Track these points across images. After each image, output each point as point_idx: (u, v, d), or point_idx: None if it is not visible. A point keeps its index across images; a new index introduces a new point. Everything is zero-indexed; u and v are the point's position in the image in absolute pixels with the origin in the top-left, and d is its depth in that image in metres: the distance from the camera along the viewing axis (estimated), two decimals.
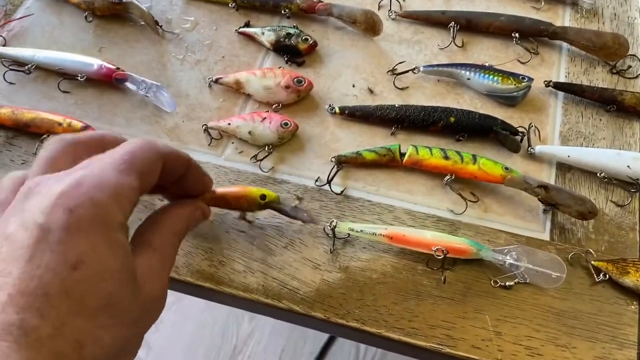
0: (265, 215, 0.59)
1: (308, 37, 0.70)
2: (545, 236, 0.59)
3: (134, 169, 0.40)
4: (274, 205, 0.56)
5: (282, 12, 0.73)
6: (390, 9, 0.75)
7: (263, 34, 0.71)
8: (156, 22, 0.72)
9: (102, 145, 0.43)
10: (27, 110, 0.65)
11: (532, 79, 0.66)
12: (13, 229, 0.36)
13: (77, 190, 0.36)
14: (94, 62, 0.68)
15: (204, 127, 0.65)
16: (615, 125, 0.66)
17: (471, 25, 0.72)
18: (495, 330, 0.53)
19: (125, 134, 0.64)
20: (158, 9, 0.75)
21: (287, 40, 0.70)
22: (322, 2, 0.73)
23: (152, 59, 0.71)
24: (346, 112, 0.66)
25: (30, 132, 0.64)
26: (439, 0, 0.77)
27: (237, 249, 0.57)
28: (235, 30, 0.73)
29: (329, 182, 0.61)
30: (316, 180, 0.62)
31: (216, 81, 0.68)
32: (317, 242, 0.58)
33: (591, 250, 0.57)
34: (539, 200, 0.58)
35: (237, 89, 0.68)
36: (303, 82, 0.66)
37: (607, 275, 0.55)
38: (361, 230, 0.56)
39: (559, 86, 0.67)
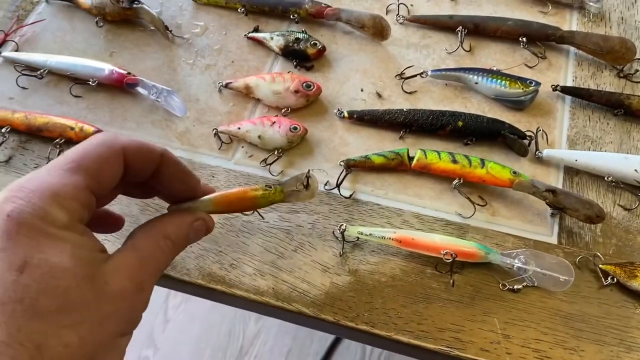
0: (275, 219, 0.60)
1: (317, 42, 0.71)
2: (553, 240, 0.59)
3: (80, 167, 0.39)
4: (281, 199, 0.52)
5: (291, 17, 0.74)
6: (398, 14, 0.75)
7: (272, 38, 0.72)
8: (166, 27, 0.73)
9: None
10: (39, 114, 0.66)
11: (540, 83, 0.67)
12: None
13: (14, 194, 0.36)
14: (105, 67, 0.68)
15: (214, 132, 0.66)
16: (623, 129, 0.66)
17: (479, 30, 0.73)
18: (504, 333, 0.54)
19: (136, 137, 0.65)
20: (168, 14, 0.76)
21: (296, 45, 0.71)
22: (330, 7, 0.74)
23: (163, 63, 0.72)
24: (355, 116, 0.67)
25: (42, 136, 0.65)
26: (447, 4, 0.77)
27: (247, 252, 0.58)
28: (245, 35, 0.74)
29: (338, 185, 0.62)
30: (325, 184, 0.62)
31: (226, 86, 0.69)
32: (327, 245, 0.59)
33: (599, 254, 0.57)
34: (546, 204, 0.59)
35: (246, 94, 0.68)
36: (312, 87, 0.67)
37: (615, 279, 0.55)
38: (370, 234, 0.57)
39: (566, 90, 0.68)
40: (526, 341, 0.53)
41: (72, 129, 0.64)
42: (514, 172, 0.59)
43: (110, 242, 0.57)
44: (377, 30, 0.72)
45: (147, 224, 0.45)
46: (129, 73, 0.68)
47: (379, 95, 0.69)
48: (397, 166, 0.63)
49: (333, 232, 0.59)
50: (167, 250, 0.45)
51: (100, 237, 0.49)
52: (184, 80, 0.70)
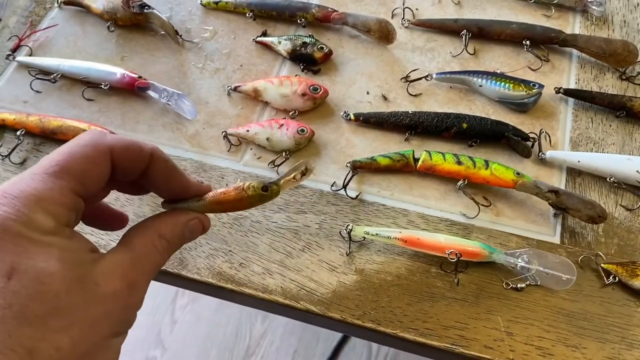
0: (282, 219, 0.61)
1: (323, 46, 0.72)
2: (556, 239, 0.60)
3: (65, 170, 0.38)
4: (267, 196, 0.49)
5: (298, 21, 0.76)
6: (404, 18, 0.77)
7: (280, 43, 0.73)
8: (176, 32, 0.75)
9: None
10: (53, 117, 0.67)
11: (543, 86, 0.68)
12: None
13: (1, 201, 0.36)
14: (117, 71, 0.70)
15: (223, 134, 0.67)
16: (625, 131, 0.67)
17: (483, 33, 0.74)
18: (507, 331, 0.55)
19: (147, 140, 0.67)
20: (178, 18, 0.78)
21: (303, 49, 0.72)
22: (337, 11, 0.75)
23: (173, 67, 0.73)
24: (361, 118, 0.68)
25: (56, 139, 0.67)
26: (451, 8, 0.78)
27: (256, 251, 0.59)
28: (253, 39, 0.76)
29: (344, 186, 0.63)
30: (332, 185, 0.64)
31: (235, 89, 0.70)
32: (334, 245, 0.60)
33: (601, 254, 0.58)
34: (549, 204, 0.60)
35: (255, 97, 0.70)
36: (319, 90, 0.68)
37: (617, 278, 0.57)
38: (376, 234, 0.58)
39: (569, 92, 0.69)
40: (529, 339, 0.54)
41: (85, 131, 0.65)
42: (518, 173, 0.61)
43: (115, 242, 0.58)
44: (383, 34, 0.73)
45: (142, 224, 0.44)
46: (140, 77, 0.70)
47: (385, 98, 0.71)
48: (402, 167, 0.64)
49: (340, 232, 0.60)
50: (162, 249, 0.44)
51: (106, 238, 0.50)
52: (194, 84, 0.72)
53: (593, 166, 0.63)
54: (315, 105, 0.69)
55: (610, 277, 0.57)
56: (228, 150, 0.67)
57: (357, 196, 0.63)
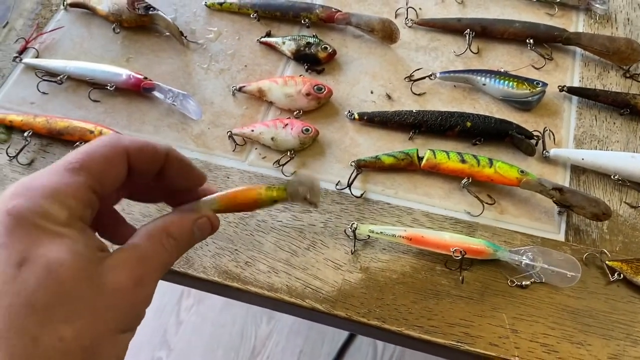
0: (288, 218, 0.62)
1: (327, 46, 0.72)
2: (561, 237, 0.60)
3: (83, 167, 0.40)
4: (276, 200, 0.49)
5: (302, 21, 0.76)
6: (407, 17, 0.77)
7: (284, 43, 0.74)
8: (181, 33, 0.75)
9: None
10: (60, 118, 0.68)
11: (547, 84, 0.68)
12: None
13: (16, 191, 0.38)
14: (122, 72, 0.71)
15: (228, 134, 0.67)
16: (629, 129, 0.67)
17: (486, 32, 0.74)
18: (512, 328, 0.55)
19: (153, 140, 0.67)
20: (182, 20, 0.78)
21: (307, 49, 0.72)
22: (340, 11, 0.75)
23: (178, 68, 0.74)
24: (365, 117, 0.68)
25: (63, 139, 0.67)
26: (455, 7, 0.79)
27: (261, 250, 0.60)
28: (257, 40, 0.76)
29: (349, 185, 0.63)
30: (337, 184, 0.64)
31: (240, 89, 0.71)
32: (338, 243, 0.60)
33: (605, 251, 0.58)
34: (554, 202, 0.60)
35: (259, 97, 0.70)
36: (323, 90, 0.69)
37: (622, 275, 0.57)
38: (381, 232, 0.59)
39: (572, 91, 0.69)
40: (534, 336, 0.54)
41: (91, 132, 0.66)
42: (522, 171, 0.61)
43: None
44: (387, 34, 0.73)
45: (150, 223, 0.45)
46: (145, 78, 0.70)
47: (389, 97, 0.71)
48: (406, 166, 0.64)
49: (345, 231, 0.61)
50: (170, 248, 0.44)
51: None
52: (199, 85, 0.72)
53: (597, 164, 0.63)
54: (320, 104, 0.70)
55: (615, 274, 0.57)
56: (233, 150, 0.67)
57: (361, 195, 0.63)
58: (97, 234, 0.46)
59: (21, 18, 0.79)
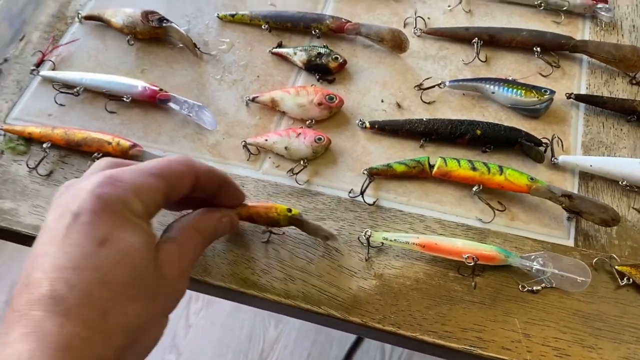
0: None
1: (338, 56, 0.74)
2: (570, 243, 0.62)
3: (164, 176, 0.47)
4: (297, 218, 0.60)
5: (313, 32, 0.77)
6: (416, 27, 0.78)
7: (295, 54, 0.75)
8: (194, 45, 0.77)
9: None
10: (78, 130, 0.69)
11: (554, 92, 0.69)
12: (50, 220, 0.43)
13: (107, 180, 0.43)
14: (138, 84, 0.72)
15: (242, 144, 0.69)
16: (636, 135, 0.69)
17: (494, 41, 0.75)
18: (524, 332, 0.56)
19: (169, 150, 0.69)
20: (195, 31, 0.80)
21: (318, 59, 0.74)
22: (350, 22, 0.77)
23: (192, 79, 0.75)
24: (376, 126, 0.70)
25: (81, 150, 0.69)
26: (462, 17, 0.80)
27: (277, 258, 0.61)
28: (269, 50, 0.77)
29: (362, 193, 0.65)
30: (349, 192, 0.65)
31: (253, 100, 0.72)
32: (352, 250, 0.62)
33: (615, 256, 0.59)
34: (563, 208, 0.61)
35: (272, 107, 0.72)
36: (334, 99, 0.70)
37: (631, 279, 0.58)
38: (394, 239, 0.60)
39: (580, 98, 0.70)
40: (546, 340, 0.56)
41: (109, 143, 0.68)
42: (531, 178, 0.62)
43: None
44: (396, 44, 0.75)
45: (181, 219, 0.52)
46: (161, 89, 0.72)
47: (399, 106, 0.72)
48: (418, 174, 0.65)
49: (358, 238, 0.62)
50: (199, 243, 0.51)
51: None
52: (213, 95, 0.74)
53: (605, 170, 0.64)
54: (331, 114, 0.71)
55: (625, 279, 0.58)
56: (247, 159, 0.69)
57: (374, 202, 0.65)
58: None
59: (37, 31, 0.81)
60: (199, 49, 0.77)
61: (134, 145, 0.68)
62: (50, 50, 0.78)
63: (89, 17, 0.81)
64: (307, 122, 0.70)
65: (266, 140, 0.68)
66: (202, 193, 0.52)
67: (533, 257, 0.59)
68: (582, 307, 0.57)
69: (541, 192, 0.62)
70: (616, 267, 0.59)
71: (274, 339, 1.62)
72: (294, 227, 0.61)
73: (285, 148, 0.67)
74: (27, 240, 0.65)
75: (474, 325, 0.57)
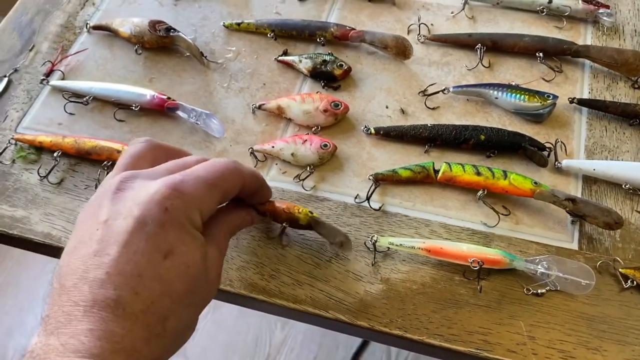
0: (309, 232, 0.64)
1: (343, 63, 0.75)
2: (574, 246, 0.62)
3: (220, 187, 0.49)
4: (317, 219, 0.61)
5: (318, 40, 0.78)
6: (419, 33, 0.79)
7: (300, 61, 0.76)
8: (201, 53, 0.78)
9: (179, 155, 0.54)
10: (87, 138, 0.70)
11: (557, 96, 0.70)
12: (108, 216, 0.44)
13: (173, 193, 0.45)
14: (147, 93, 0.73)
15: (250, 151, 0.70)
16: (639, 138, 0.69)
17: (497, 46, 0.76)
18: (529, 335, 0.57)
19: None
20: (202, 40, 0.81)
21: (323, 66, 0.75)
22: (354, 29, 0.78)
23: (199, 87, 0.77)
24: (381, 132, 0.70)
25: (91, 159, 0.70)
26: (465, 23, 0.81)
27: (285, 263, 0.62)
28: (275, 58, 0.78)
29: (367, 198, 0.66)
30: (355, 197, 0.66)
31: (259, 107, 0.73)
32: (359, 255, 0.62)
33: (618, 259, 0.60)
34: (567, 212, 0.62)
35: (278, 114, 0.73)
36: (340, 106, 0.71)
37: (635, 282, 0.58)
38: (400, 244, 0.61)
39: (582, 102, 0.71)
40: (551, 342, 0.56)
41: (118, 151, 0.69)
42: (535, 183, 0.63)
43: None
44: (400, 50, 0.76)
45: (217, 217, 0.53)
46: (169, 98, 0.73)
47: (404, 112, 0.73)
48: (423, 179, 0.66)
49: (365, 243, 0.63)
50: (228, 241, 0.55)
51: None
52: (220, 103, 0.75)
53: (608, 174, 0.65)
54: (337, 120, 0.72)
55: (629, 282, 0.59)
56: (255, 166, 0.70)
57: (380, 208, 0.66)
58: None
59: (46, 41, 0.82)
60: (206, 57, 0.78)
61: None
62: (60, 60, 0.79)
63: (97, 27, 0.82)
64: (313, 129, 0.71)
65: (273, 147, 0.69)
66: (242, 195, 0.55)
67: (538, 260, 0.59)
68: (586, 310, 0.58)
69: (545, 196, 0.62)
70: (620, 269, 0.59)
71: (280, 342, 1.63)
72: (305, 230, 0.62)
73: (292, 155, 0.68)
74: (38, 247, 0.66)
75: (479, 329, 0.57)
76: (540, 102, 0.70)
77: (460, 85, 0.74)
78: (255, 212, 0.60)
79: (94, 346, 0.38)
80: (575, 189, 0.66)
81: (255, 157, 0.70)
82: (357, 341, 1.58)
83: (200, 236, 0.47)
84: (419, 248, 0.60)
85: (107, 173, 0.68)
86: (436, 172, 0.66)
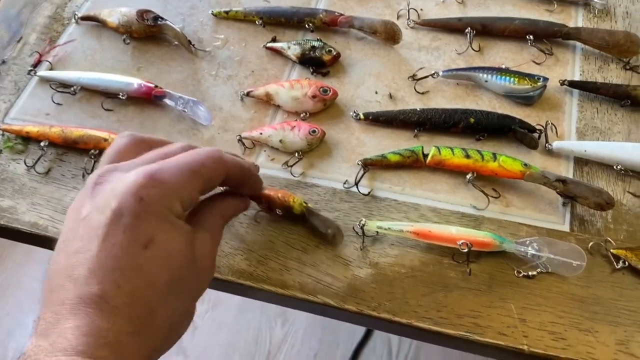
0: None
1: (331, 49, 0.74)
2: (566, 228, 0.61)
3: (201, 174, 0.48)
4: (310, 209, 0.61)
5: (306, 26, 0.78)
6: (409, 18, 0.79)
7: (289, 48, 0.76)
8: (189, 42, 0.77)
9: (163, 146, 0.52)
10: (75, 128, 0.70)
11: (548, 79, 0.69)
12: (88, 212, 0.44)
13: (150, 182, 0.44)
14: (134, 82, 0.73)
15: (237, 138, 0.69)
16: (630, 119, 0.68)
17: (487, 30, 0.76)
18: (520, 318, 0.56)
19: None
20: (190, 29, 0.80)
21: (311, 52, 0.74)
22: (343, 15, 0.77)
23: (187, 76, 0.76)
24: (370, 117, 0.70)
25: (78, 148, 0.69)
26: (455, 7, 0.80)
27: (273, 249, 0.61)
28: (263, 45, 0.78)
29: (356, 184, 0.65)
30: (344, 183, 0.66)
31: (247, 94, 0.73)
32: (348, 240, 0.62)
33: (610, 239, 0.59)
34: (557, 193, 0.61)
35: (267, 101, 0.72)
36: (328, 92, 0.70)
37: (627, 262, 0.58)
38: (389, 228, 0.60)
39: (573, 84, 0.70)
40: (542, 324, 0.56)
41: (105, 140, 0.68)
42: (525, 164, 0.62)
43: None
44: (389, 35, 0.75)
45: (209, 204, 0.53)
46: (156, 86, 0.72)
47: (393, 97, 0.73)
48: (412, 163, 0.66)
49: (353, 228, 0.62)
50: (222, 228, 0.54)
51: None
52: (208, 91, 0.74)
53: (600, 155, 0.64)
54: (326, 106, 0.71)
55: (620, 262, 0.58)
56: (242, 153, 0.69)
57: (369, 193, 0.65)
58: None
59: (34, 33, 0.82)
60: (194, 45, 0.78)
61: None
62: (48, 51, 0.79)
63: (85, 18, 0.82)
64: (302, 115, 0.71)
65: (261, 133, 0.69)
66: (228, 185, 0.54)
67: (528, 242, 0.59)
68: (578, 291, 0.57)
69: (535, 177, 0.61)
70: (611, 250, 0.59)
71: (280, 339, 1.63)
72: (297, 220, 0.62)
73: (280, 141, 0.68)
74: (25, 237, 0.66)
75: (469, 312, 0.57)
76: (531, 85, 0.69)
77: (450, 69, 0.73)
78: (249, 198, 0.59)
79: (81, 343, 0.38)
80: (566, 171, 0.65)
81: (244, 145, 0.69)
82: (357, 337, 1.57)
83: (183, 224, 0.46)
84: (407, 231, 0.59)
85: (95, 162, 0.68)
86: (425, 156, 0.65)
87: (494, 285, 0.58)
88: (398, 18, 0.79)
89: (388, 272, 0.59)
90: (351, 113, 0.71)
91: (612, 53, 0.72)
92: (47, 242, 0.65)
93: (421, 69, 0.73)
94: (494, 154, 0.63)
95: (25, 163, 0.69)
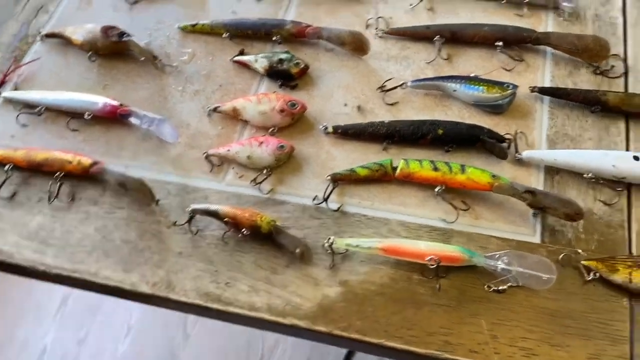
0: None
1: (299, 61, 0.73)
2: (536, 239, 0.61)
3: None
4: (278, 227, 0.61)
5: (274, 38, 0.77)
6: (377, 27, 0.77)
7: (257, 61, 0.75)
8: (154, 57, 0.76)
9: None
10: (40, 150, 0.69)
11: (517, 86, 0.68)
12: None
13: None
14: (98, 101, 0.72)
15: (204, 155, 0.68)
16: (601, 125, 0.68)
17: (456, 37, 0.75)
18: (491, 334, 0.55)
19: (132, 166, 0.68)
20: (157, 43, 0.79)
21: (279, 65, 0.73)
22: (311, 26, 0.76)
23: (154, 92, 0.75)
24: (339, 130, 0.69)
25: (44, 171, 0.68)
26: (425, 15, 0.79)
27: (241, 270, 0.60)
28: (230, 59, 0.77)
29: (325, 199, 0.64)
30: (314, 199, 0.65)
31: (214, 110, 0.72)
32: (317, 258, 0.61)
33: (580, 251, 0.58)
34: (527, 204, 0.60)
35: (234, 116, 0.71)
36: (296, 105, 0.69)
37: (598, 274, 0.57)
38: (357, 245, 0.59)
39: (543, 91, 0.69)
40: (513, 340, 0.55)
41: (70, 162, 0.67)
42: (494, 176, 0.61)
43: None
44: (357, 46, 0.74)
45: None
46: (121, 104, 0.71)
47: (362, 109, 0.71)
48: (381, 177, 0.65)
49: (323, 245, 0.61)
50: None
51: None
52: (174, 108, 0.73)
53: (570, 163, 0.63)
54: (294, 120, 0.70)
55: (591, 274, 0.57)
56: (210, 171, 0.68)
57: (338, 208, 0.64)
58: None
59: None
60: (160, 61, 0.77)
61: (95, 163, 0.67)
62: (12, 71, 0.78)
63: (50, 35, 0.81)
64: (270, 130, 0.70)
65: (228, 150, 0.68)
66: None
67: (498, 256, 0.58)
68: (549, 305, 0.56)
69: (504, 189, 0.61)
70: (582, 262, 0.58)
71: (272, 345, 1.62)
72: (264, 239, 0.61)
73: (248, 157, 0.67)
74: None
75: (440, 329, 0.56)
76: (500, 93, 0.68)
77: (419, 79, 0.72)
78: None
79: None
80: (537, 181, 0.64)
81: (211, 162, 0.68)
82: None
83: None
84: (376, 248, 0.58)
85: (59, 185, 0.67)
86: (394, 169, 0.64)
87: (464, 301, 0.57)
88: (367, 27, 0.78)
89: (358, 290, 0.58)
90: (320, 127, 0.70)
91: (582, 57, 0.71)
92: (14, 269, 0.64)
93: (390, 79, 0.72)
94: (463, 166, 0.63)
95: None
